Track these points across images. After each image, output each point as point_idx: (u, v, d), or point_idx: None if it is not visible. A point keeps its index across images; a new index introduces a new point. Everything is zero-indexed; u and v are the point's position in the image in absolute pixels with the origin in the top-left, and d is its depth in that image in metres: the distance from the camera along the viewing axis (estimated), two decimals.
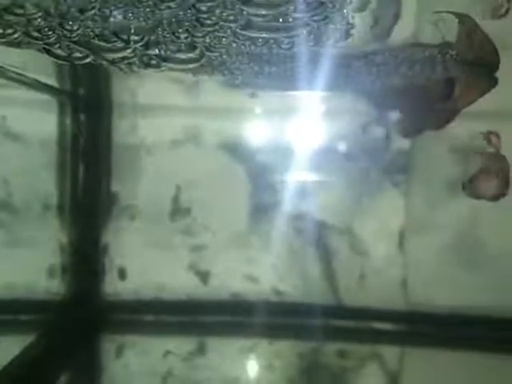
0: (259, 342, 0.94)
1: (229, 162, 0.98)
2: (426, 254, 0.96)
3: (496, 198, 0.68)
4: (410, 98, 0.58)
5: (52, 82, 0.89)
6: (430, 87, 0.52)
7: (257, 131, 0.98)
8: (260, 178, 0.98)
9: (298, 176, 0.98)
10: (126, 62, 0.49)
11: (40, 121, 0.94)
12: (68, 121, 0.94)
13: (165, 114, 0.97)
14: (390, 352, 0.94)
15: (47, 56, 0.50)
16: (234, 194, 0.98)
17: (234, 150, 0.98)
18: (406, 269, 0.97)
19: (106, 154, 0.97)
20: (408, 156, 0.95)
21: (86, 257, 0.97)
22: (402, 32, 0.52)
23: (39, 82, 0.74)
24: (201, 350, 0.92)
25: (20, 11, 0.36)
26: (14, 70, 0.62)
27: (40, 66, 0.78)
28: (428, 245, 0.96)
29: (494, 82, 0.52)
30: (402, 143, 0.94)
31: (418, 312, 0.95)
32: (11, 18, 0.36)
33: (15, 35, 0.40)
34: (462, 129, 0.90)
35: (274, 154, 0.98)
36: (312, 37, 0.43)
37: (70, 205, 0.96)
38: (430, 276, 0.96)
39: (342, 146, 0.95)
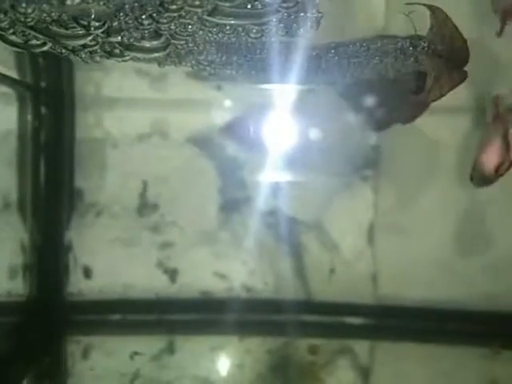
0: (229, 340, 0.93)
1: (197, 156, 0.96)
2: (395, 248, 0.97)
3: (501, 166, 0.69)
4: (381, 91, 0.58)
5: (11, 73, 0.85)
6: (401, 80, 0.52)
7: (226, 125, 0.96)
8: (229, 173, 0.97)
9: (267, 171, 0.97)
10: (87, 50, 0.47)
11: None
12: (28, 114, 0.91)
13: (130, 107, 0.95)
14: (360, 346, 0.94)
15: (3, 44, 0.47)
16: (203, 190, 0.97)
17: (203, 144, 0.96)
18: (376, 263, 0.97)
19: (69, 149, 0.93)
20: (377, 150, 0.95)
21: (49, 256, 0.93)
22: (372, 23, 0.51)
23: None
24: (170, 349, 0.90)
25: None
26: None
27: None
28: (397, 239, 0.97)
29: (464, 76, 0.52)
30: (370, 137, 0.94)
31: (387, 306, 0.96)
32: None
33: None
34: (429, 122, 0.92)
35: (244, 149, 0.97)
36: (282, 25, 0.41)
37: (31, 202, 0.92)
38: (400, 270, 0.96)
39: (311, 141, 0.95)
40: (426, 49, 0.47)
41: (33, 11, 0.35)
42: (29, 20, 0.37)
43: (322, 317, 0.96)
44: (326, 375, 0.93)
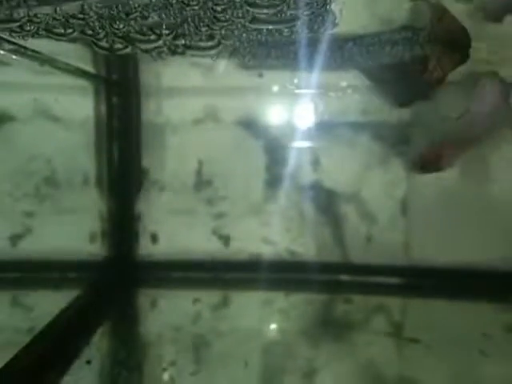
0: (276, 295, 1.03)
1: (246, 137, 1.07)
2: (427, 217, 1.04)
3: None
4: (396, 73, 0.67)
5: (89, 68, 1.00)
6: (409, 63, 0.61)
7: (269, 108, 1.07)
8: (275, 151, 1.07)
9: (309, 148, 1.06)
10: (156, 50, 0.60)
11: (78, 105, 1.05)
12: (103, 104, 1.05)
13: (186, 95, 1.06)
14: (394, 304, 1.02)
15: (89, 49, 0.60)
16: (251, 167, 1.07)
17: (250, 126, 1.06)
18: (409, 232, 1.05)
19: (137, 133, 1.07)
20: (410, 127, 1.02)
21: (122, 224, 1.08)
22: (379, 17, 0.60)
23: (79, 69, 0.85)
24: (225, 303, 1.02)
25: (81, 16, 0.47)
26: (61, 59, 0.73)
27: (80, 57, 0.89)
28: (429, 209, 1.04)
29: (464, 58, 0.61)
30: (403, 115, 1.01)
31: (418, 267, 1.04)
32: (74, 21, 0.47)
33: (74, 34, 0.51)
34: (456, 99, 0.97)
35: (287, 129, 1.06)
36: (306, 26, 0.53)
37: (107, 179, 1.07)
38: (431, 237, 1.04)
39: (348, 120, 1.03)
40: (427, 38, 0.57)
41: (124, 27, 0.49)
42: (119, 32, 0.51)
43: (358, 277, 1.05)
44: (363, 329, 1.01)
